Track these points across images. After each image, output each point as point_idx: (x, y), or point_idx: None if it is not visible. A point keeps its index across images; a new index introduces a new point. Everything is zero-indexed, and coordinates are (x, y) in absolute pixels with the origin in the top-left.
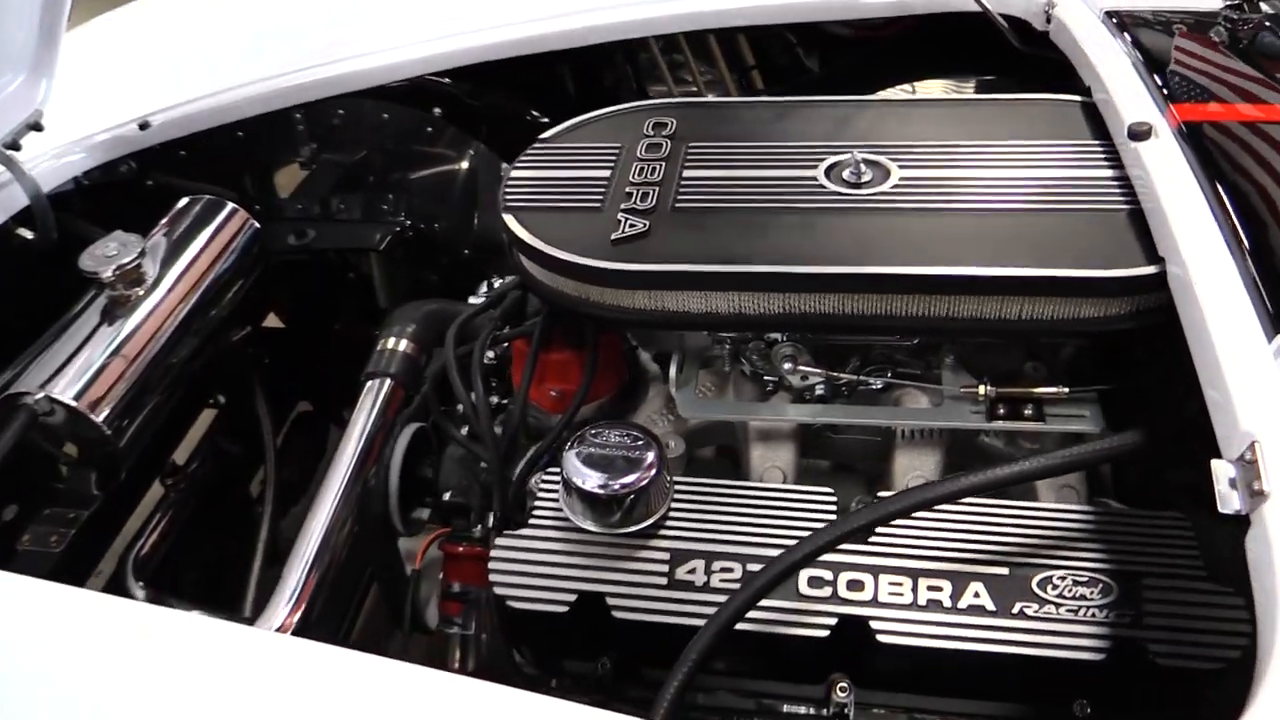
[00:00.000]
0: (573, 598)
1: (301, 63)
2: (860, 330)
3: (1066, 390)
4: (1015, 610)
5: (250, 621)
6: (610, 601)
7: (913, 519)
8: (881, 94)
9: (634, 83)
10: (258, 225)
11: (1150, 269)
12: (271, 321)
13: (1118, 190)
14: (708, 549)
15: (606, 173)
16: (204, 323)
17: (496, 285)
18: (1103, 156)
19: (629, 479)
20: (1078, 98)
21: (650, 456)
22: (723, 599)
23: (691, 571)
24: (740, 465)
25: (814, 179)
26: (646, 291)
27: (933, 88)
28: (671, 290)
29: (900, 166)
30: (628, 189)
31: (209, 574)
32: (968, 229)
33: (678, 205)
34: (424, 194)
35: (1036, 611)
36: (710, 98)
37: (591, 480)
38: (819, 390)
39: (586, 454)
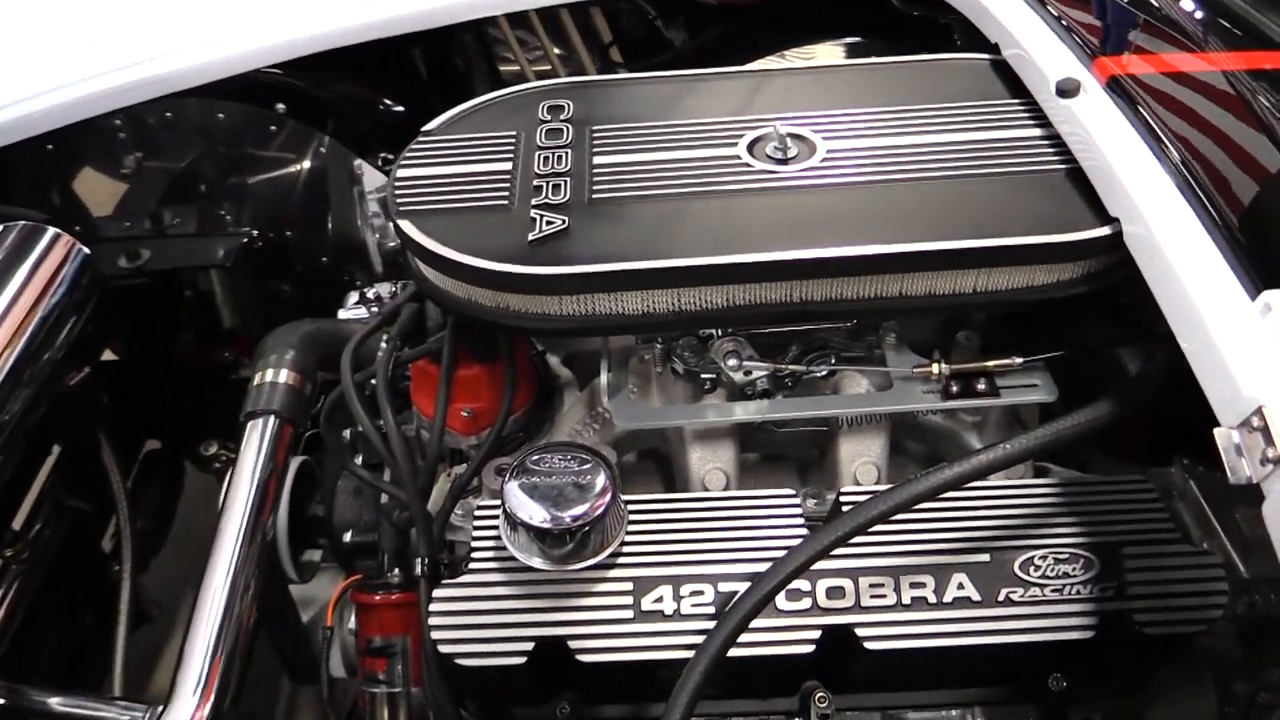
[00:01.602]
0: (529, 646)
1: (119, 61)
2: (808, 318)
3: (1020, 360)
4: (1001, 598)
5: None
6: (573, 645)
7: None
8: (763, 63)
9: (486, 63)
10: (87, 250)
11: (1104, 230)
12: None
13: (1050, 150)
14: (673, 572)
15: (507, 165)
16: (36, 370)
17: (371, 295)
18: (1027, 116)
19: (582, 509)
20: (986, 56)
21: (602, 480)
22: (696, 626)
23: (659, 600)
24: (674, 469)
25: (737, 157)
26: (575, 296)
27: (807, 54)
28: (603, 293)
29: (824, 138)
30: (535, 182)
31: (67, 652)
32: (909, 201)
33: (595, 197)
34: (269, 199)
35: (1022, 596)
36: (604, 76)
37: (539, 514)
38: (761, 384)
39: (531, 484)
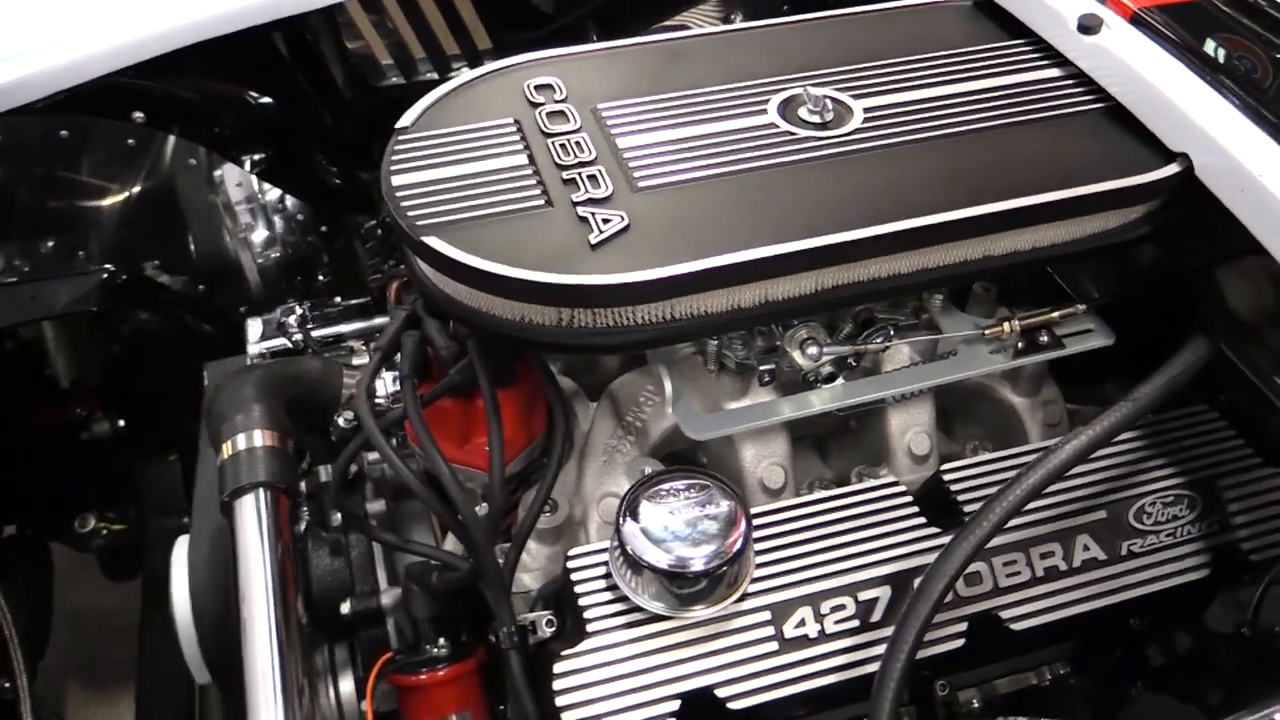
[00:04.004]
0: (675, 705)
1: None
2: (894, 294)
3: (1083, 307)
4: (1124, 552)
5: None
6: (721, 693)
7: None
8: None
9: (338, 50)
10: None
11: (1174, 167)
12: None
13: (1078, 90)
14: (807, 591)
15: (522, 159)
16: None
17: (284, 320)
18: (1040, 56)
19: (720, 544)
20: None
21: (730, 506)
22: (844, 644)
23: (801, 624)
24: (721, 470)
25: (774, 125)
26: (655, 303)
27: (702, 13)
28: (687, 295)
29: (854, 96)
30: (565, 175)
31: None
32: (971, 157)
33: (641, 185)
34: (124, 224)
35: (1143, 546)
36: (581, 47)
37: (672, 556)
38: (826, 369)
39: (663, 524)
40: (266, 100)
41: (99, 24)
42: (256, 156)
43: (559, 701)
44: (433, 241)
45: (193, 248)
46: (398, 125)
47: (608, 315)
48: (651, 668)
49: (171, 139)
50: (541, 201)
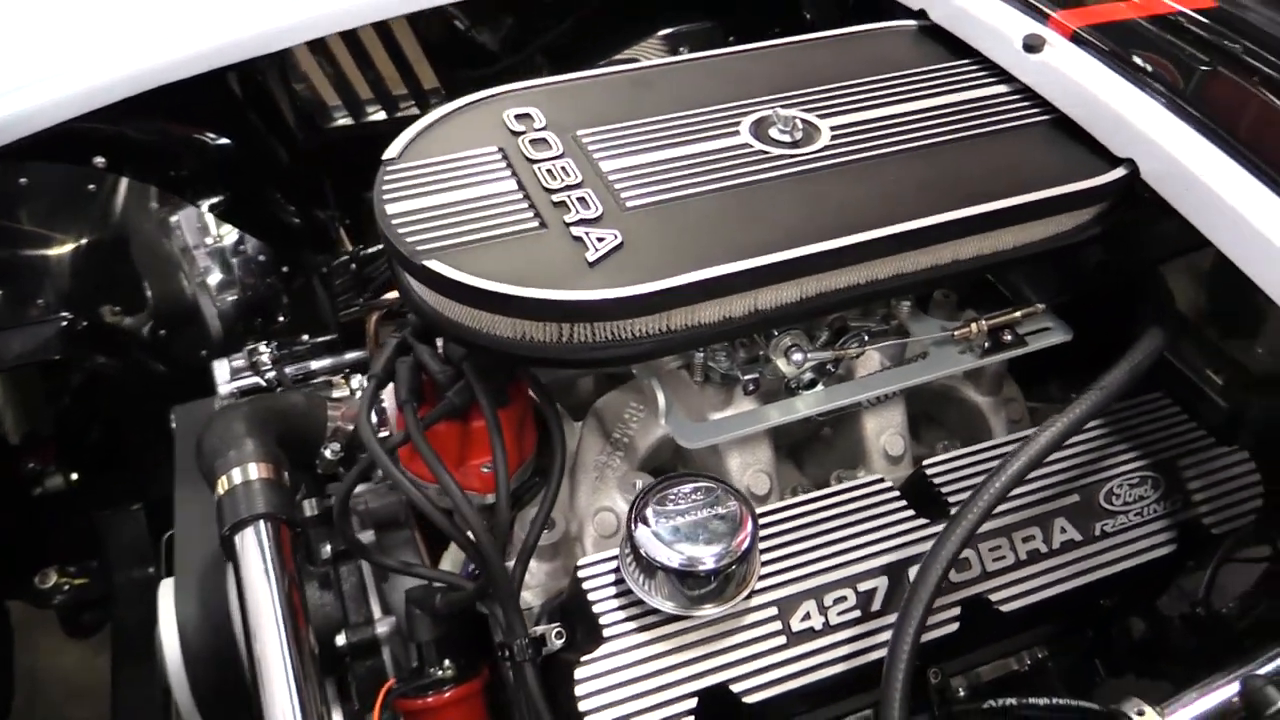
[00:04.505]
0: (693, 702)
1: None
2: (870, 299)
3: (1042, 306)
4: (1098, 532)
5: None
6: (737, 689)
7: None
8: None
9: (287, 92)
10: None
11: (1120, 171)
12: None
13: (1023, 104)
14: (810, 585)
15: (511, 184)
16: None
17: (253, 360)
18: (986, 75)
19: (730, 542)
20: (912, 23)
21: (736, 507)
22: (848, 634)
23: (806, 617)
24: None
25: (747, 145)
26: (652, 315)
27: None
28: (683, 306)
29: (820, 116)
30: (555, 198)
31: None
32: (936, 168)
33: (629, 205)
34: (78, 272)
35: (1114, 526)
36: (552, 78)
37: (686, 556)
38: (807, 376)
39: (672, 526)
40: (223, 141)
41: (60, 70)
42: (215, 200)
43: (581, 706)
44: (434, 265)
45: (149, 294)
46: (385, 156)
47: (606, 329)
48: (668, 668)
49: (124, 186)
50: (536, 224)
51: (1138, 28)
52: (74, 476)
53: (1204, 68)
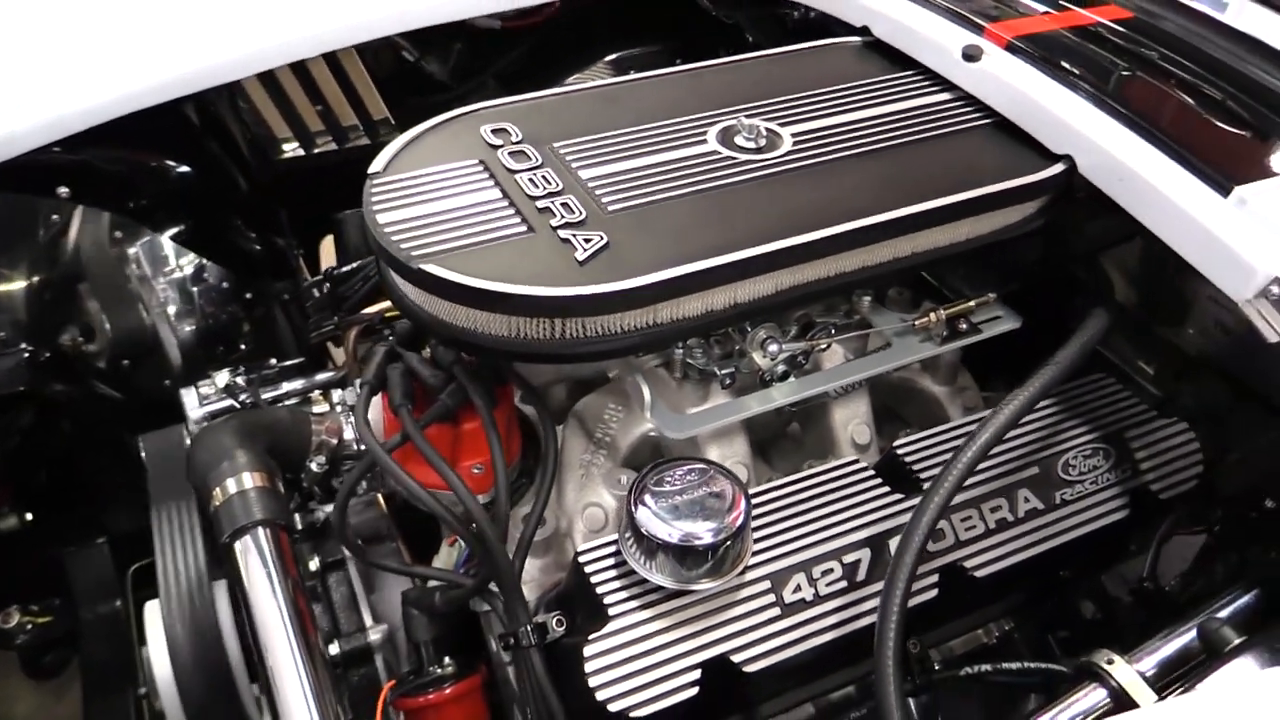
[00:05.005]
0: (697, 674)
1: None
2: (839, 290)
3: (994, 297)
4: (1058, 501)
5: None
6: (737, 659)
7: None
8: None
9: (240, 123)
10: None
11: (1058, 167)
12: None
13: (965, 109)
14: (799, 559)
15: (495, 193)
16: None
17: (224, 383)
18: (929, 83)
19: (726, 518)
20: (856, 38)
21: (733, 486)
22: (837, 604)
23: (797, 589)
24: None
25: (716, 152)
26: (640, 310)
27: (598, 71)
28: (667, 300)
29: (781, 124)
30: (539, 204)
31: None
32: (893, 168)
33: (611, 209)
34: (35, 305)
35: (1073, 495)
36: (524, 95)
37: (685, 532)
38: (780, 368)
39: (670, 505)
40: (184, 169)
41: (23, 101)
42: (178, 228)
43: (592, 683)
44: (431, 268)
45: (108, 324)
46: (370, 170)
47: (597, 325)
48: (671, 641)
49: (78, 217)
50: (524, 228)
51: (1066, 38)
52: (28, 516)
53: (1126, 71)
